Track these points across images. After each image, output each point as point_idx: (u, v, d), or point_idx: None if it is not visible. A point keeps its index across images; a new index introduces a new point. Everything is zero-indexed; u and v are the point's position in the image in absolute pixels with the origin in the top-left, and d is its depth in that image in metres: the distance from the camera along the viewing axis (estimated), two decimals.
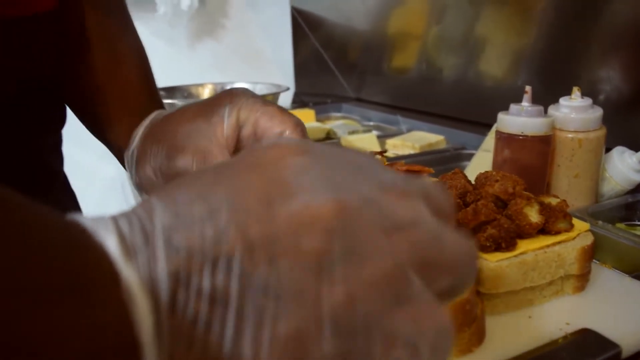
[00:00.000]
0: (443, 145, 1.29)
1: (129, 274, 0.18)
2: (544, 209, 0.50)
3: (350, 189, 0.21)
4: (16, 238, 0.17)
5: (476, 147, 0.98)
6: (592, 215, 0.79)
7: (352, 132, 1.46)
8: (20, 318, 0.16)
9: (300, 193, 0.20)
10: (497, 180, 0.51)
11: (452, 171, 0.55)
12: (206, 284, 0.19)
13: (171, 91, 1.30)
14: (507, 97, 0.86)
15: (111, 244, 0.19)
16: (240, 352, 0.19)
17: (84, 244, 0.19)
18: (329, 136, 1.46)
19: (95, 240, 0.19)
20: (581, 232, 0.50)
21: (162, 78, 1.31)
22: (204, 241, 0.19)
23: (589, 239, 0.49)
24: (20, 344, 0.16)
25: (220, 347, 0.19)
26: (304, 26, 2.00)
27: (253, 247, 0.19)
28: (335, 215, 0.20)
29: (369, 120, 1.68)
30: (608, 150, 0.82)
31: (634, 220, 0.84)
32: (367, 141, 1.30)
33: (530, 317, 0.46)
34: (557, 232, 0.49)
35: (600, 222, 0.75)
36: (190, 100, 1.23)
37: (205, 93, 1.35)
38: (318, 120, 1.64)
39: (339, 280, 0.19)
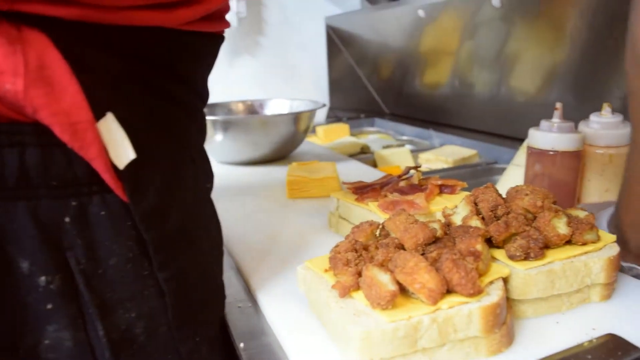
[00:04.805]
0: (475, 160, 1.31)
1: None
2: (572, 221, 0.53)
3: None
4: None
5: (508, 162, 1.00)
6: None
7: (386, 147, 1.50)
8: None
9: None
10: (527, 194, 0.54)
11: (485, 185, 0.58)
12: None
13: (213, 107, 1.36)
14: (539, 113, 0.88)
15: None
16: None
17: None
18: (363, 150, 1.49)
19: None
20: (608, 243, 0.53)
21: None
22: None
23: (615, 250, 0.52)
24: None
25: None
26: (339, 43, 2.05)
27: None
28: None
29: (402, 134, 1.72)
30: None
31: None
32: (401, 155, 1.33)
33: (557, 322, 0.49)
34: (584, 244, 0.52)
35: None
36: (232, 117, 1.29)
37: (245, 109, 1.40)
38: (352, 134, 1.68)
39: None
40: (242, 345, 0.52)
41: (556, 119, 0.79)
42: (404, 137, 1.69)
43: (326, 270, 0.50)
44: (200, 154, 0.54)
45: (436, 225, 0.52)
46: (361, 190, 0.73)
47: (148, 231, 0.42)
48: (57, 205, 0.39)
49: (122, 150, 0.39)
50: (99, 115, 0.38)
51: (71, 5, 0.37)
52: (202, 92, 0.55)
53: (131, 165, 0.40)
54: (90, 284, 0.41)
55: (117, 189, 0.40)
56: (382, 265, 0.46)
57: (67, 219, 0.40)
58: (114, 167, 0.39)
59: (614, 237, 0.54)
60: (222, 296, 0.56)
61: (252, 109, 1.41)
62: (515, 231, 0.51)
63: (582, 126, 0.81)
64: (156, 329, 0.45)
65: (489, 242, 0.52)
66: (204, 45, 0.51)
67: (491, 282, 0.46)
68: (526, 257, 0.50)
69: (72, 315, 0.41)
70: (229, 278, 0.67)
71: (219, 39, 0.54)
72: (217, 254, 0.56)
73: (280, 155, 1.23)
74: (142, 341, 0.44)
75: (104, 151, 0.38)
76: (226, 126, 1.13)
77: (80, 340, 0.42)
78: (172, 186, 0.45)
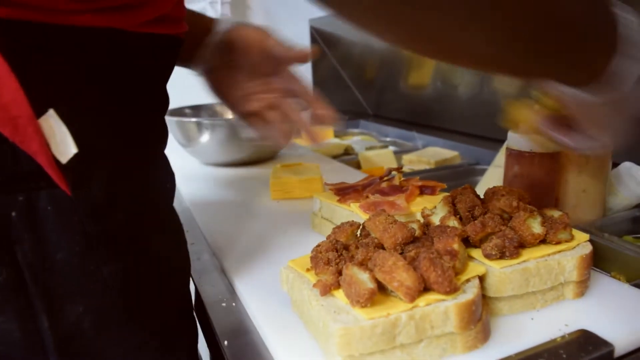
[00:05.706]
0: (457, 161, 1.33)
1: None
2: (546, 221, 0.54)
3: None
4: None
5: (489, 163, 1.02)
6: (600, 228, 0.83)
7: (370, 148, 1.51)
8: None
9: None
10: (503, 195, 0.56)
11: (462, 187, 0.60)
12: None
13: (197, 109, 1.36)
14: None
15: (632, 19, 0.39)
16: None
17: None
18: (347, 152, 1.51)
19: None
20: (580, 243, 0.55)
21: (187, 97, 1.38)
22: None
23: (587, 249, 0.54)
24: None
25: None
26: (323, 45, 2.06)
27: None
28: None
29: (386, 136, 1.73)
30: (615, 165, 0.86)
31: None
32: (384, 157, 1.35)
33: (532, 319, 0.51)
34: (558, 243, 0.54)
35: (606, 235, 0.79)
36: (216, 119, 1.30)
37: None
38: (336, 136, 1.69)
39: None
40: (226, 342, 0.52)
41: None
42: (388, 139, 1.70)
43: (308, 270, 0.51)
44: (157, 153, 0.55)
45: (415, 226, 0.53)
46: (343, 192, 0.75)
47: (91, 226, 0.43)
48: (4, 199, 0.40)
49: (64, 145, 0.39)
50: (40, 111, 0.38)
51: (9, 7, 0.37)
52: (158, 94, 0.54)
53: (74, 160, 0.40)
54: (38, 277, 0.41)
55: (61, 184, 0.40)
56: (362, 264, 0.47)
57: (13, 214, 0.40)
58: (58, 162, 0.40)
59: (586, 236, 0.56)
60: (179, 295, 0.56)
61: None
62: (491, 231, 0.53)
63: None
64: (105, 324, 0.45)
65: (466, 242, 0.54)
66: (158, 47, 0.51)
67: (467, 280, 0.48)
68: (502, 256, 0.51)
69: (20, 308, 0.41)
70: (214, 278, 0.67)
71: (174, 41, 0.54)
72: (178, 257, 0.56)
73: (264, 156, 1.24)
74: (91, 335, 0.45)
75: (46, 146, 0.38)
76: (211, 128, 1.14)
77: (29, 332, 0.42)
78: (119, 184, 0.46)
